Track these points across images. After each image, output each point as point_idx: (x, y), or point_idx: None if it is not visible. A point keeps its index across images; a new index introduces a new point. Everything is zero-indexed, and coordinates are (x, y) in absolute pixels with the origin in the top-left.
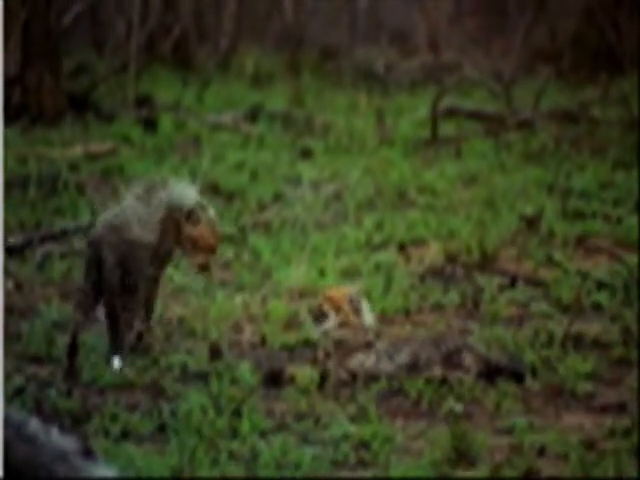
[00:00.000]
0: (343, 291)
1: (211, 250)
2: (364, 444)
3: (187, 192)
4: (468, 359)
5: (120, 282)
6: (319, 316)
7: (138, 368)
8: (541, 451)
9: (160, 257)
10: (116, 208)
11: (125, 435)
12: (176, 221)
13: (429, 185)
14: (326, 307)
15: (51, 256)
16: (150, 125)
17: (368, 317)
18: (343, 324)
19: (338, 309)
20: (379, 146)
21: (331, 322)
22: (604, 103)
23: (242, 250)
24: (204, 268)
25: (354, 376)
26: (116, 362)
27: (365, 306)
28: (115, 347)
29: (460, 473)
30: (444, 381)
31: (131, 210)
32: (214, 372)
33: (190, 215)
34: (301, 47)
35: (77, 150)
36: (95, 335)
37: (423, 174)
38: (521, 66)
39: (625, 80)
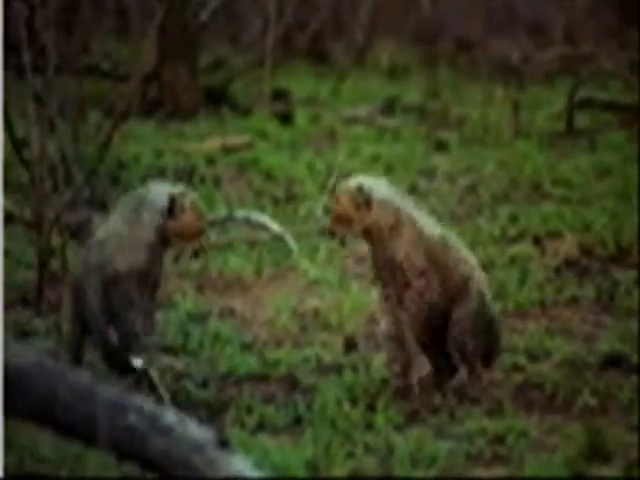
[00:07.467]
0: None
1: (200, 233)
2: (499, 438)
3: (159, 191)
4: None
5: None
6: None
7: (273, 360)
8: None
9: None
10: (100, 232)
11: (261, 427)
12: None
13: (564, 177)
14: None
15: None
16: (286, 119)
17: None
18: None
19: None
20: (514, 139)
21: None
22: None
23: None
24: (198, 252)
25: None
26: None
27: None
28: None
29: (595, 470)
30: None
31: (114, 238)
32: (349, 365)
33: (170, 211)
34: (436, 40)
35: (214, 143)
36: (230, 326)
37: (558, 166)
38: None
39: None
